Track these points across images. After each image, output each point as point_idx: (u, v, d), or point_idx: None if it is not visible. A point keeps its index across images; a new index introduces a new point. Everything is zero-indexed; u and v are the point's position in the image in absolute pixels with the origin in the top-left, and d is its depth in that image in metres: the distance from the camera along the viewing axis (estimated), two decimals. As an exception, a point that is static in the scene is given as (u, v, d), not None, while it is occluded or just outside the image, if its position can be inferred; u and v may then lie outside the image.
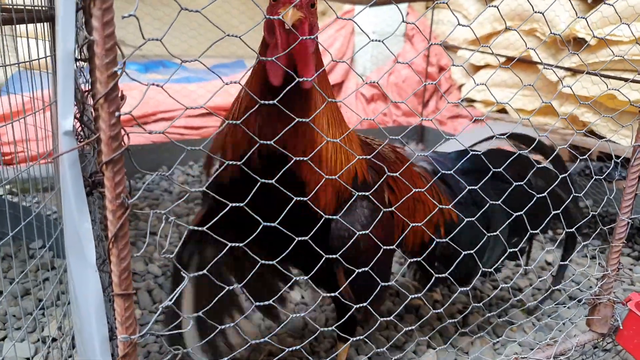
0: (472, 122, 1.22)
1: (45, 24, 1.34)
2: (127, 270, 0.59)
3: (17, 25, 1.42)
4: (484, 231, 1.11)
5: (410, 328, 1.09)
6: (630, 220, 1.03)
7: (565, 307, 1.75)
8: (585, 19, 0.96)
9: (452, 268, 1.06)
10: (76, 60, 0.56)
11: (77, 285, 0.65)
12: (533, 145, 1.34)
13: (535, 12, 0.84)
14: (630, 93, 3.08)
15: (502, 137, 1.42)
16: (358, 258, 0.99)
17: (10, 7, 1.27)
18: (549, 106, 3.89)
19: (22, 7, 1.32)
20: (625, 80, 2.44)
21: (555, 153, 1.40)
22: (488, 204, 1.09)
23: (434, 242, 1.16)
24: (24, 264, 1.81)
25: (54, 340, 1.46)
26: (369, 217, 1.01)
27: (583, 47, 2.35)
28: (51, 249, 1.87)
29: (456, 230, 1.06)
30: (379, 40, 0.82)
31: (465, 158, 1.34)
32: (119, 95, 0.54)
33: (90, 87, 0.56)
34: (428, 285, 1.12)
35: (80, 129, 0.60)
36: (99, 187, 0.59)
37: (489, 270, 1.45)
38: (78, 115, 0.57)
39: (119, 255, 0.57)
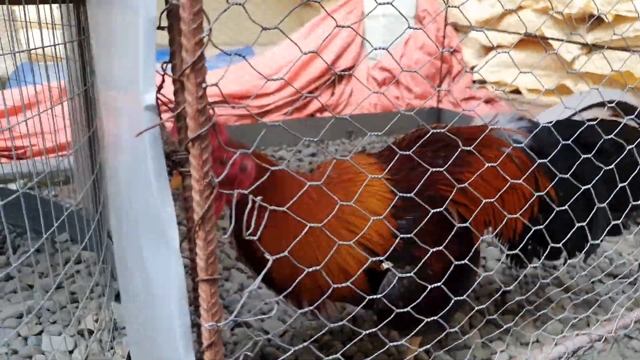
0: (484, 102, 1.17)
1: (68, 4, 1.29)
2: (213, 254, 0.55)
3: (25, 14, 1.38)
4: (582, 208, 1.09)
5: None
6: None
7: (603, 283, 1.72)
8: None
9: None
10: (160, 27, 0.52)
11: (154, 274, 0.62)
12: (636, 113, 1.20)
13: None
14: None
15: (602, 106, 1.33)
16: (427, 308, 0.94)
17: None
18: (564, 85, 3.83)
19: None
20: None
21: None
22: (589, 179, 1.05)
23: (529, 228, 1.11)
24: (51, 257, 1.78)
25: (91, 332, 1.44)
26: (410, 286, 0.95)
27: (594, 22, 2.27)
28: (76, 242, 1.85)
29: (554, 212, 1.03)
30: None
31: (563, 129, 1.18)
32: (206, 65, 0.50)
33: (169, 58, 0.52)
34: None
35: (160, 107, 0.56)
36: (179, 166, 0.55)
37: (593, 243, 1.31)
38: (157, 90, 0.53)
39: (205, 239, 0.54)
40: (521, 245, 1.21)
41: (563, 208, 1.07)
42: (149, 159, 0.53)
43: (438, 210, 0.89)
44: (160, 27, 0.51)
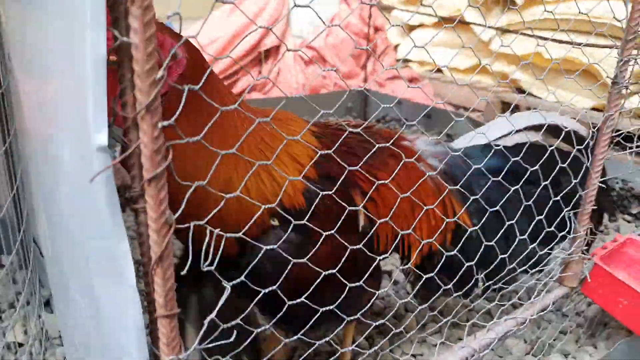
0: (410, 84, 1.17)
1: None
2: (172, 291, 0.54)
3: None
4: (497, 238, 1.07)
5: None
6: (598, 184, 1.12)
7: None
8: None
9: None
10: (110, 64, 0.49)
11: (106, 306, 0.60)
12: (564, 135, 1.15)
13: None
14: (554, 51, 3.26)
15: (539, 129, 1.22)
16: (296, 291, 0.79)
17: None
18: (480, 64, 4.04)
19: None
20: (546, 39, 2.54)
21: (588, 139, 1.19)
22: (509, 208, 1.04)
23: (440, 254, 1.08)
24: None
25: (20, 345, 1.36)
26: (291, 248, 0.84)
27: (507, 5, 2.40)
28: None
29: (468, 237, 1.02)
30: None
31: (486, 154, 1.16)
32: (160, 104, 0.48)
33: (120, 94, 0.50)
34: (429, 300, 1.07)
35: (113, 142, 0.54)
36: (131, 203, 0.54)
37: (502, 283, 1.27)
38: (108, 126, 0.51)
39: (164, 276, 0.53)
40: (425, 273, 1.11)
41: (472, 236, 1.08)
42: (102, 198, 0.51)
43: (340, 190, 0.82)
44: (110, 62, 0.48)
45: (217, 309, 0.58)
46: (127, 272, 0.53)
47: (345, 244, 0.84)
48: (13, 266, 1.60)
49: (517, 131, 1.22)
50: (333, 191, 0.80)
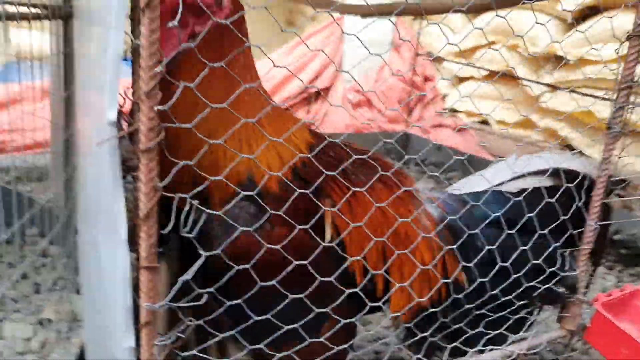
0: (455, 131, 1.19)
1: (58, 20, 1.41)
2: (153, 247, 0.67)
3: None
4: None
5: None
6: (596, 226, 1.15)
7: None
8: (560, 41, 1.07)
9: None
10: (125, 59, 0.64)
11: (105, 261, 0.73)
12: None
13: (516, 35, 0.94)
14: (605, 110, 3.25)
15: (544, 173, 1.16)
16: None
17: (26, 3, 1.33)
18: (528, 119, 4.05)
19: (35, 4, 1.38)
20: (596, 97, 2.57)
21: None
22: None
23: (429, 310, 1.05)
24: (21, 249, 1.85)
25: (50, 321, 1.52)
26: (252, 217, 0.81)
27: (561, 64, 2.48)
28: (44, 236, 1.92)
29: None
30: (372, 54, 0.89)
31: (486, 202, 1.11)
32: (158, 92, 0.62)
33: (132, 83, 0.64)
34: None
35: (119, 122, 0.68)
36: (131, 171, 0.67)
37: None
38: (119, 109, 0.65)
39: (148, 232, 0.66)
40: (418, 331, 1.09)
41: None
42: (107, 163, 0.65)
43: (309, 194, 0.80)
44: (126, 59, 0.63)
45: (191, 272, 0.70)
46: (120, 228, 0.66)
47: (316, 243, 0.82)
48: (58, 255, 1.79)
49: (522, 176, 1.17)
50: (301, 192, 0.80)
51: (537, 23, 1.09)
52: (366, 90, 4.43)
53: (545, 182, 1.14)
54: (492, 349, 1.14)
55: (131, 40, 0.61)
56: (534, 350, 1.23)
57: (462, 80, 4.63)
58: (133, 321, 0.71)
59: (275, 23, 0.84)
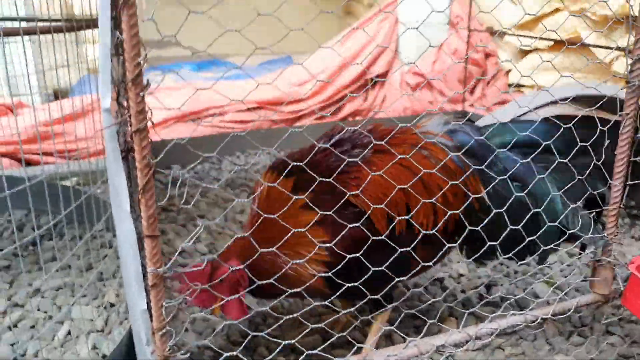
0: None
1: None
2: (153, 216, 0.75)
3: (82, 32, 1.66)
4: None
5: (436, 299, 1.18)
6: (621, 186, 1.10)
7: (587, 280, 1.78)
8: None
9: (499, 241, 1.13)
10: (113, 55, 0.73)
11: (118, 230, 0.83)
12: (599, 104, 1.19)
13: None
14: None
15: (562, 102, 1.26)
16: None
17: (75, 16, 1.49)
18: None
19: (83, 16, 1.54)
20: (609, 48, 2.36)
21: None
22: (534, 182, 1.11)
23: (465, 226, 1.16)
24: (87, 243, 2.07)
25: (112, 305, 1.70)
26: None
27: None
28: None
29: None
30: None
31: (511, 129, 1.23)
32: (144, 80, 0.70)
33: (122, 74, 0.73)
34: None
35: (118, 109, 0.77)
36: (131, 152, 0.76)
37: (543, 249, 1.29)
38: (115, 98, 0.75)
39: (146, 204, 0.74)
40: (462, 242, 1.27)
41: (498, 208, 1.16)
42: (109, 146, 0.75)
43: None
44: (115, 54, 0.72)
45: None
46: (123, 199, 0.75)
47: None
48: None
49: (549, 104, 1.25)
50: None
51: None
52: (424, 71, 4.37)
53: (573, 109, 1.21)
54: (513, 314, 1.13)
55: (117, 37, 0.70)
56: (562, 315, 1.20)
57: (526, 53, 4.42)
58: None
59: (333, 14, 0.93)
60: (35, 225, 1.98)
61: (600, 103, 1.18)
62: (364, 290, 1.05)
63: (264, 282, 0.95)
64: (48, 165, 2.75)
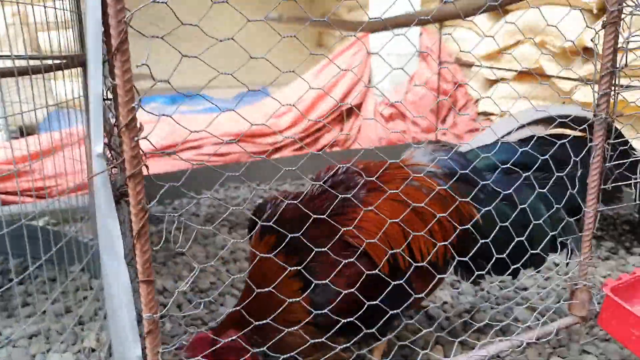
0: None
1: (78, 68, 1.56)
2: (148, 261, 0.75)
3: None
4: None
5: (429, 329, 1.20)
6: (594, 212, 1.14)
7: (565, 302, 1.83)
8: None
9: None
10: (104, 99, 0.74)
11: (110, 278, 0.82)
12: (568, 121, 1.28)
13: (548, 25, 0.97)
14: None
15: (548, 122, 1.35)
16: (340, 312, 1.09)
17: (47, 55, 1.48)
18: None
19: (57, 54, 1.53)
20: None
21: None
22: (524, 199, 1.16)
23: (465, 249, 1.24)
24: (64, 286, 2.01)
25: (92, 350, 1.64)
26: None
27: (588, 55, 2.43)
28: (88, 271, 2.08)
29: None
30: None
31: (492, 152, 1.32)
32: (138, 125, 0.71)
33: (115, 120, 0.74)
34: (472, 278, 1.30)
35: (110, 154, 0.78)
36: (124, 197, 0.76)
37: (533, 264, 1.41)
38: (107, 142, 0.75)
39: (141, 249, 0.74)
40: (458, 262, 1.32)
41: (490, 228, 1.22)
42: (101, 191, 0.74)
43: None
44: (107, 99, 0.72)
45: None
46: (117, 247, 0.75)
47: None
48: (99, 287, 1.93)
49: (521, 127, 1.36)
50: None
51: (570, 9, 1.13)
52: (397, 102, 4.48)
53: (542, 130, 1.33)
54: (500, 340, 1.15)
55: (110, 82, 0.71)
56: (545, 339, 1.23)
57: (492, 83, 4.58)
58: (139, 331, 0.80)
59: (305, 46, 0.95)
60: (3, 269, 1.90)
61: (566, 121, 1.28)
62: (362, 325, 1.06)
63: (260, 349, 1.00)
64: (13, 205, 2.66)
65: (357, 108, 4.54)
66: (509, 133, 1.47)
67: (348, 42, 4.62)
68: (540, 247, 1.34)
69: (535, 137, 1.35)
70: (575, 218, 1.38)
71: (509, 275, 1.39)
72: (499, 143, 1.36)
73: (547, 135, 1.33)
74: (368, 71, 4.70)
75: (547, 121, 1.38)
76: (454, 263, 1.30)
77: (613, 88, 1.07)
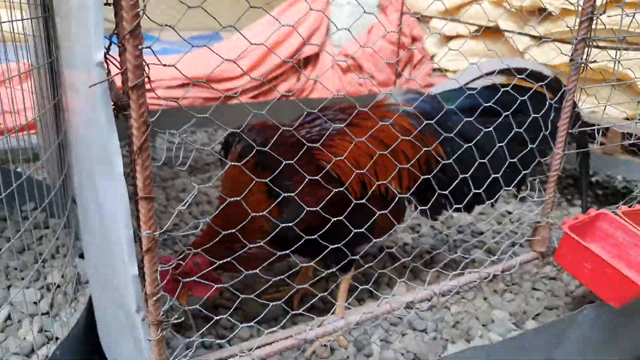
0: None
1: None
2: (149, 177, 0.73)
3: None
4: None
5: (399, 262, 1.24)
6: (563, 153, 1.22)
7: (520, 246, 1.97)
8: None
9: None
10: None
11: (103, 195, 0.79)
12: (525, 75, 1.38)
13: None
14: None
15: (498, 72, 1.46)
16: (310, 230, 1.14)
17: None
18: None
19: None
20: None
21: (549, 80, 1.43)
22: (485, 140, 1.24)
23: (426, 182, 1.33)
24: (18, 224, 1.92)
25: (58, 286, 1.60)
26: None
27: (542, 15, 2.49)
28: (44, 211, 1.99)
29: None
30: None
31: (458, 96, 1.42)
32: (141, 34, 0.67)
33: (115, 28, 0.69)
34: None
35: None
36: (122, 111, 0.73)
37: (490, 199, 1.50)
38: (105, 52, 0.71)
39: (142, 164, 0.72)
40: (420, 196, 1.44)
41: (453, 164, 1.30)
42: (100, 104, 0.71)
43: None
44: (107, 4, 0.68)
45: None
46: (116, 162, 0.72)
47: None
48: (58, 226, 1.86)
49: (485, 75, 1.44)
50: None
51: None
52: (355, 54, 4.45)
53: (498, 78, 1.44)
54: (470, 272, 1.23)
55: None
56: (509, 272, 1.33)
57: (449, 38, 4.64)
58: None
59: None
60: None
61: (524, 75, 1.38)
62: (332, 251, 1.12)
63: (224, 261, 1.04)
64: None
65: (315, 58, 4.48)
66: (472, 80, 1.56)
67: (305, -11, 4.49)
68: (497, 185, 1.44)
69: (498, 85, 1.44)
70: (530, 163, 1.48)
71: (465, 210, 1.51)
72: (465, 89, 1.45)
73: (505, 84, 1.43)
74: (326, 21, 4.62)
75: (507, 73, 1.48)
76: (415, 197, 1.41)
77: (589, 35, 1.12)
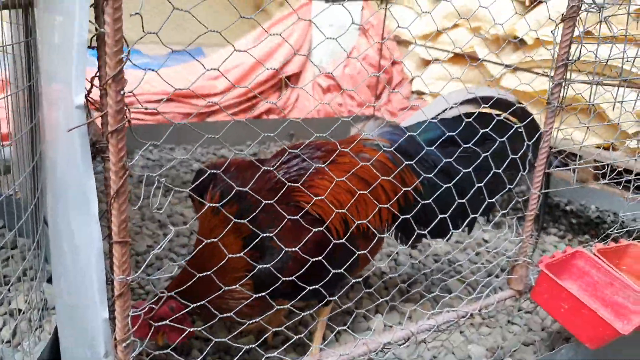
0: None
1: (18, 10, 1.41)
2: (125, 222, 0.71)
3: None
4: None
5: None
6: (539, 194, 1.24)
7: (496, 277, 1.98)
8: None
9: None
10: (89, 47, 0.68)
11: (78, 237, 0.77)
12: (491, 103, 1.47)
13: (481, 7, 1.01)
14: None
15: (472, 103, 1.50)
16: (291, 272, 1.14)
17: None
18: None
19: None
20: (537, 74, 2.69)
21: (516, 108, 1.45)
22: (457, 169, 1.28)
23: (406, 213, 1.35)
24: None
25: (21, 312, 1.53)
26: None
27: (519, 44, 2.56)
28: (11, 229, 1.92)
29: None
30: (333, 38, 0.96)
31: (428, 128, 1.45)
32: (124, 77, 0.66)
33: (97, 71, 0.68)
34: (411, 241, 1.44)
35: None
36: (101, 153, 0.71)
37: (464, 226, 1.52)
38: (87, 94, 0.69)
39: (119, 209, 0.70)
40: (399, 227, 1.47)
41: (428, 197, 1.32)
42: (78, 146, 0.69)
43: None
44: (90, 47, 0.67)
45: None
46: (92, 203, 0.70)
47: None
48: (25, 246, 1.80)
49: (453, 106, 1.48)
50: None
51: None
52: (335, 75, 4.49)
53: (469, 109, 1.48)
54: (448, 311, 1.24)
55: (96, 29, 0.65)
56: (486, 310, 1.34)
57: (427, 63, 4.72)
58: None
59: (243, 9, 0.90)
60: None
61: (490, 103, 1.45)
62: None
63: (196, 304, 1.04)
64: None
65: (296, 77, 4.50)
66: (443, 111, 1.61)
67: (289, 9, 4.53)
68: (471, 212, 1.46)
69: (465, 115, 1.46)
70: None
71: (441, 237, 1.55)
72: (436, 120, 1.50)
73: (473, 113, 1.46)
74: (309, 41, 4.65)
75: (474, 102, 1.54)
76: (394, 228, 1.45)
77: (564, 79, 1.15)
